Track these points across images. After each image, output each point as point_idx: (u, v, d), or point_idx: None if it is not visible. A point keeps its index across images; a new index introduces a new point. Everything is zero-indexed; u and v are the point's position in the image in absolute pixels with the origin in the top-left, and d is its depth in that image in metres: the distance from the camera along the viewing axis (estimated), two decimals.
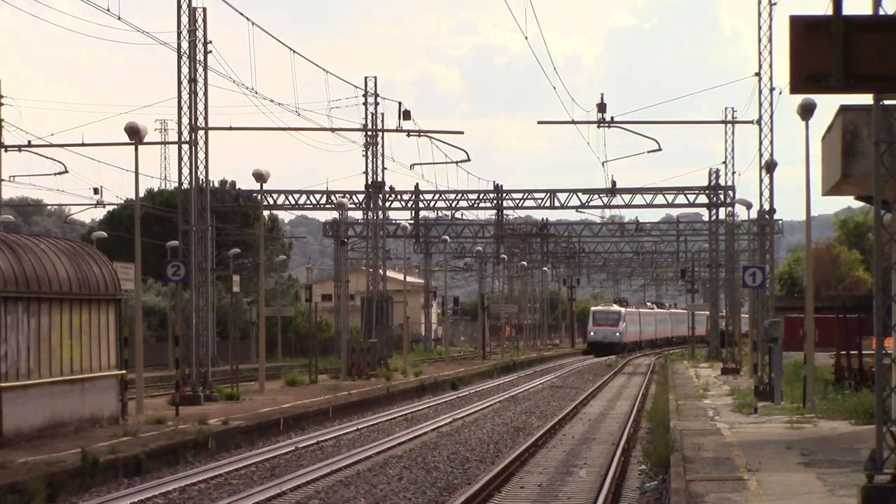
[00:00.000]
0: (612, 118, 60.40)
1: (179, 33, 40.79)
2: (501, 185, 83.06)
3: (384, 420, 38.62)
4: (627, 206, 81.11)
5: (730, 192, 76.25)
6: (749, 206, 60.05)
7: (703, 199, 79.11)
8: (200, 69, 41.47)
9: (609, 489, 21.90)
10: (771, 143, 51.43)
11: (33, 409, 26.87)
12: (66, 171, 66.24)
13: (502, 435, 33.90)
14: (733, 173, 75.96)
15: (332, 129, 57.90)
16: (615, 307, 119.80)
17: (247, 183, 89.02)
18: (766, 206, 50.67)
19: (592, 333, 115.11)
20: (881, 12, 17.09)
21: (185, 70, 41.14)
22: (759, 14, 50.90)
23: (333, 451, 29.40)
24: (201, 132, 41.98)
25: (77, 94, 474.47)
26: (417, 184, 79.63)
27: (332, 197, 74.15)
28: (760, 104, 51.98)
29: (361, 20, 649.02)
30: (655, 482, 23.08)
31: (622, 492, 22.85)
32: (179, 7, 40.56)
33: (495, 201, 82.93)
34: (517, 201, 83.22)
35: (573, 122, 61.59)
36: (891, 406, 18.60)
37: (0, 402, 24.96)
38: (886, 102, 17.79)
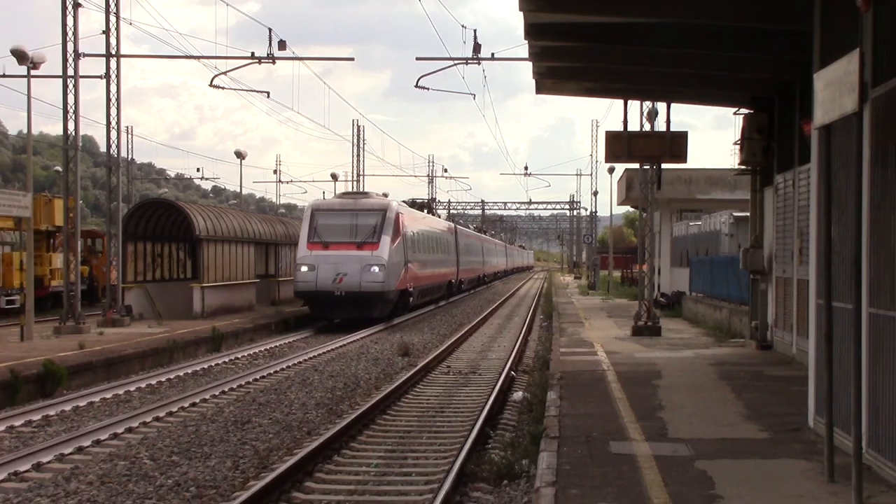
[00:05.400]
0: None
1: None
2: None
3: None
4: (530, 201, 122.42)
5: (578, 203, 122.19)
6: (586, 209, 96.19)
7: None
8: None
9: (528, 326, 38.61)
10: (593, 186, 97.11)
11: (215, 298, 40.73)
12: None
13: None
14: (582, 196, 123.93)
15: None
16: (375, 198, 44.88)
17: None
18: (593, 209, 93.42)
19: (304, 269, 40.28)
20: (647, 127, 31.68)
21: None
22: (595, 129, 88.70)
23: None
24: None
25: None
26: None
27: None
28: (593, 168, 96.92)
29: None
30: (546, 323, 40.97)
31: (533, 326, 40.37)
32: None
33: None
34: None
35: None
36: (642, 292, 34.15)
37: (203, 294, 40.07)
38: (644, 167, 32.98)
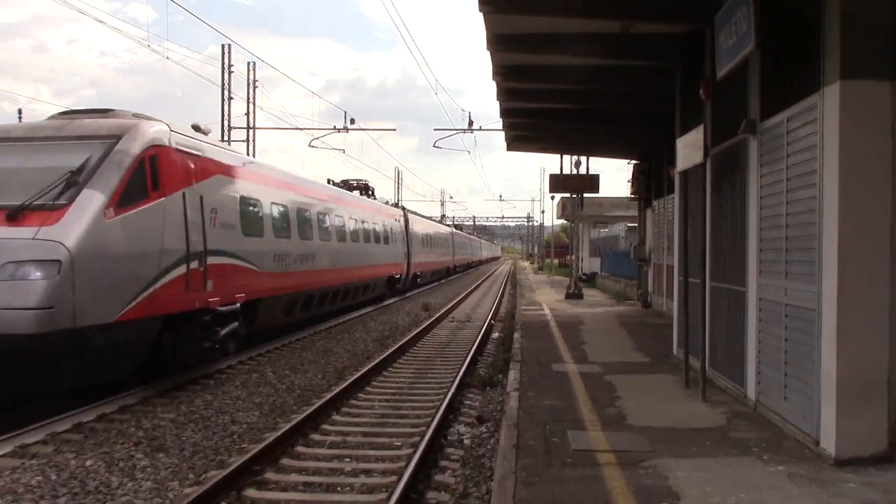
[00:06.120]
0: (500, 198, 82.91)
1: None
2: None
3: None
4: (503, 216, 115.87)
5: (532, 218, 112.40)
6: (539, 222, 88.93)
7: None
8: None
9: (503, 291, 37.88)
10: (542, 207, 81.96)
11: None
12: None
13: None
14: (535, 213, 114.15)
15: None
16: (112, 118, 8.88)
17: None
18: (542, 221, 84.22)
19: None
20: (574, 171, 31.15)
21: None
22: (543, 172, 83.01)
23: None
24: None
25: None
26: None
27: None
28: (541, 196, 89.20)
29: None
30: (513, 291, 40.74)
31: (506, 292, 38.50)
32: None
33: None
34: None
35: None
36: (571, 272, 35.02)
37: None
38: (573, 196, 35.73)
